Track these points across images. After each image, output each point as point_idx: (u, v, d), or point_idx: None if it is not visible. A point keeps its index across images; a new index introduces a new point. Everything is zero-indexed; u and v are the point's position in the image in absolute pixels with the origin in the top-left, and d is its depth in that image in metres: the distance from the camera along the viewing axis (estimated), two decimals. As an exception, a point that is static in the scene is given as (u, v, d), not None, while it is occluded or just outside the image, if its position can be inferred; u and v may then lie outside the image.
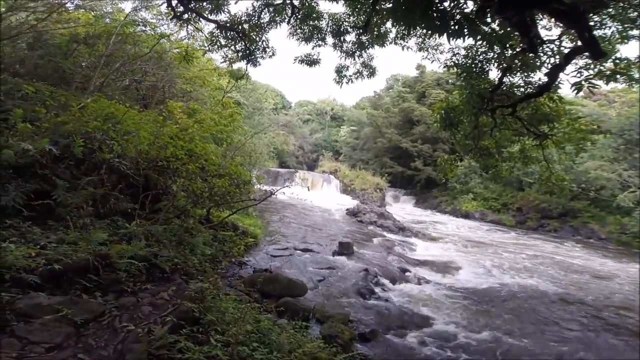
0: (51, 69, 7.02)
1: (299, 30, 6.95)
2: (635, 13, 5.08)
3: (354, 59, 7.52)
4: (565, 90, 10.58)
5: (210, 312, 3.29)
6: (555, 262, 11.56)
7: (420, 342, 5.01)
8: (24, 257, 3.23)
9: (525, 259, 11.71)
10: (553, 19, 5.69)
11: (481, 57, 6.08)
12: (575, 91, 5.35)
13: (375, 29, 6.78)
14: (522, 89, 6.37)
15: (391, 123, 30.90)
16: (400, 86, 36.14)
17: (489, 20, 5.02)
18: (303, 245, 9.19)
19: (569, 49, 5.57)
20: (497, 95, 6.44)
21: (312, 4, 6.65)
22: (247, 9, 6.58)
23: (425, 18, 3.80)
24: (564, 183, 8.13)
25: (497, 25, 5.40)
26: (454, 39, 4.16)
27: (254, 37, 6.85)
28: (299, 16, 6.70)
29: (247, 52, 6.96)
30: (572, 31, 5.39)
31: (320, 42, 7.20)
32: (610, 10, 5.12)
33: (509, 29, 5.25)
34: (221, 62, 8.42)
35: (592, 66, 5.45)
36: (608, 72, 5.33)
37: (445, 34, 3.96)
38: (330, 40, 7.21)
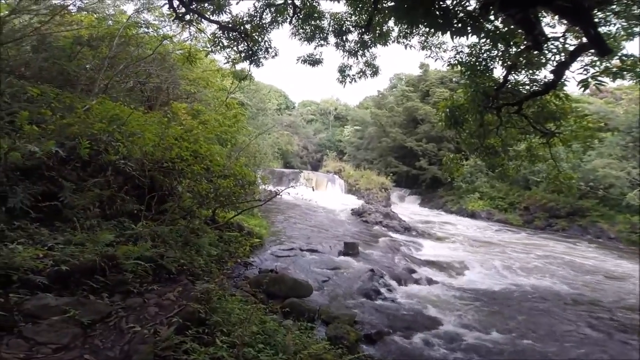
0: (56, 72, 7.10)
1: (301, 30, 6.94)
2: (640, 10, 5.01)
3: (357, 59, 7.49)
4: (571, 87, 10.46)
5: (216, 313, 3.30)
6: (567, 263, 11.41)
7: (427, 343, 4.98)
8: (32, 258, 3.26)
9: (536, 259, 11.57)
10: (557, 16, 5.63)
11: (485, 55, 6.02)
12: (582, 88, 5.28)
13: (378, 28, 6.75)
14: (527, 87, 6.30)
15: (395, 122, 30.79)
16: (403, 85, 36.01)
17: (492, 17, 4.99)
18: (308, 246, 9.19)
19: (574, 46, 5.50)
20: (503, 93, 6.37)
21: (314, 3, 6.64)
22: (249, 10, 6.60)
23: (427, 16, 3.78)
24: (572, 181, 8.01)
25: (501, 23, 5.37)
26: (458, 37, 4.14)
27: (256, 37, 6.85)
28: (301, 16, 6.69)
29: (250, 52, 6.97)
30: (577, 28, 5.33)
31: (322, 42, 7.19)
32: (614, 7, 5.05)
33: (512, 26, 5.22)
34: (224, 63, 8.42)
35: (598, 63, 5.38)
36: (614, 69, 5.26)
37: (448, 32, 3.94)
38: (332, 39, 7.20)
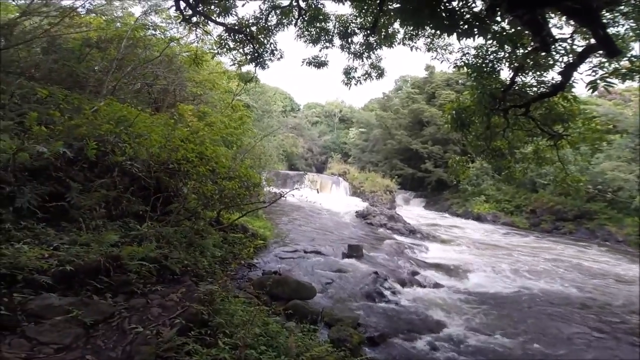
0: (65, 73, 7.20)
1: (306, 33, 6.96)
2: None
3: (362, 60, 7.49)
4: (578, 89, 10.33)
5: (219, 315, 3.29)
6: (576, 266, 11.20)
7: (431, 347, 4.92)
8: (37, 258, 3.29)
9: (543, 262, 11.38)
10: (565, 17, 5.57)
11: (492, 56, 5.98)
12: (591, 90, 5.22)
13: (383, 30, 6.74)
14: (535, 89, 6.24)
15: (401, 124, 30.69)
16: (409, 87, 35.88)
17: (498, 19, 4.95)
18: (312, 248, 9.16)
19: (582, 48, 5.44)
20: (510, 95, 6.32)
21: (319, 5, 6.66)
22: (255, 12, 6.64)
23: (433, 18, 3.76)
24: (580, 184, 7.91)
25: (508, 24, 5.33)
26: (464, 39, 4.11)
27: (262, 39, 6.89)
28: (306, 18, 6.71)
29: (256, 54, 7.01)
30: (585, 29, 5.27)
31: (327, 44, 7.20)
32: (623, 7, 4.99)
33: (519, 27, 5.17)
34: (230, 65, 8.48)
35: (606, 64, 5.31)
36: (624, 71, 5.19)
37: (454, 34, 3.91)
38: (337, 41, 7.21)
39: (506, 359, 4.95)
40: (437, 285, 7.75)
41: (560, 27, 5.89)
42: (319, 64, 7.49)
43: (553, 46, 5.45)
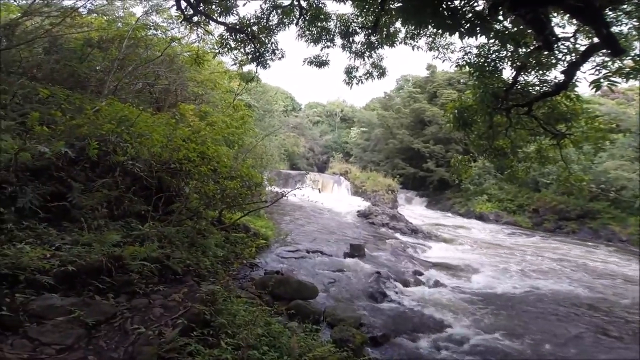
0: (67, 73, 7.21)
1: (308, 32, 6.93)
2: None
3: (364, 60, 7.45)
4: (580, 88, 10.27)
5: (221, 315, 3.28)
6: (582, 266, 11.10)
7: (434, 347, 4.91)
8: (39, 258, 3.29)
9: (549, 262, 11.31)
10: (567, 16, 5.54)
11: (494, 55, 5.94)
12: (594, 89, 5.19)
13: (385, 29, 6.71)
14: (537, 88, 6.21)
15: (402, 124, 30.62)
16: (410, 86, 35.81)
17: (501, 17, 4.92)
18: (314, 247, 9.16)
19: (584, 47, 5.41)
20: (512, 94, 6.29)
21: (320, 5, 6.63)
22: (256, 11, 6.62)
23: (435, 17, 3.74)
24: (583, 183, 7.87)
25: (510, 23, 5.29)
26: (466, 38, 4.09)
27: (263, 39, 6.87)
28: (307, 17, 6.68)
29: (257, 54, 6.99)
30: (588, 28, 5.24)
31: (329, 43, 7.16)
32: (625, 6, 4.95)
33: (522, 26, 5.14)
34: (231, 65, 8.48)
35: (609, 63, 5.27)
36: (627, 70, 5.15)
37: (456, 33, 3.89)
38: (339, 41, 7.17)
39: (517, 359, 4.91)
40: (440, 285, 7.73)
41: (562, 26, 5.85)
42: (320, 63, 7.47)
43: (556, 45, 5.42)
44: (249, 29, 6.69)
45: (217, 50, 7.33)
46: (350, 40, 7.11)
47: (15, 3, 8.03)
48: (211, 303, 3.36)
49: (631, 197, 17.22)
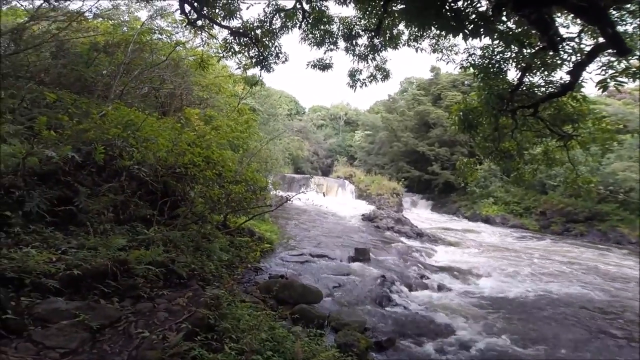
0: (74, 78, 7.30)
1: (311, 35, 6.95)
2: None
3: (367, 63, 7.44)
4: (587, 89, 10.15)
5: (225, 319, 3.27)
6: (593, 269, 10.88)
7: (440, 351, 4.84)
8: (45, 262, 3.31)
9: (559, 265, 11.10)
10: (572, 16, 5.49)
11: (498, 56, 5.91)
12: (601, 90, 5.13)
13: (388, 32, 6.70)
14: (543, 89, 6.15)
15: (407, 127, 30.56)
16: (414, 89, 35.76)
17: (505, 18, 4.89)
18: (318, 251, 9.12)
19: (589, 47, 5.36)
20: (517, 96, 6.23)
21: (323, 8, 6.66)
22: (259, 15, 6.65)
23: (439, 18, 3.72)
24: (591, 185, 7.75)
25: (514, 24, 5.27)
26: (470, 39, 4.07)
27: (267, 42, 6.90)
28: (310, 21, 6.70)
29: (261, 58, 7.02)
30: (592, 28, 5.19)
31: (332, 47, 7.17)
32: (629, 6, 4.90)
33: (526, 27, 5.11)
34: (236, 69, 8.54)
35: (615, 63, 5.21)
36: (634, 69, 5.08)
37: (460, 34, 3.87)
38: (342, 44, 7.17)
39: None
40: (446, 289, 7.64)
41: (567, 26, 5.81)
42: (323, 66, 7.48)
43: (561, 45, 5.37)
44: (253, 33, 6.73)
45: (222, 54, 7.37)
46: (354, 43, 7.12)
47: (22, 8, 8.16)
48: (215, 307, 3.35)
49: (640, 199, 16.98)
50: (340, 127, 47.41)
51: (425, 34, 6.51)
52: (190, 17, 6.31)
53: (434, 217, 23.70)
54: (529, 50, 5.57)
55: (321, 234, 12.09)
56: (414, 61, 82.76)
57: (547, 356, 5.08)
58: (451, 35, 4.63)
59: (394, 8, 5.70)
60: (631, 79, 5.14)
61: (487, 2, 4.29)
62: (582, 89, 6.10)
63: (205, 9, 6.28)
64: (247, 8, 6.55)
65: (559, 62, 5.73)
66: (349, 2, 6.27)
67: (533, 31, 5.12)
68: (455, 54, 6.87)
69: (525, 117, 6.59)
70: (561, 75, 5.88)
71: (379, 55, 7.30)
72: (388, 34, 6.75)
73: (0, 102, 5.26)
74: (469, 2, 3.91)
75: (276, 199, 9.62)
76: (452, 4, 3.78)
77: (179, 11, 6.14)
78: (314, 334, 4.01)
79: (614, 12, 4.94)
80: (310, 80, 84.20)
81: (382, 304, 6.23)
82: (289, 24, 6.75)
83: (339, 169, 32.67)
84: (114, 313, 3.08)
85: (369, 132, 37.52)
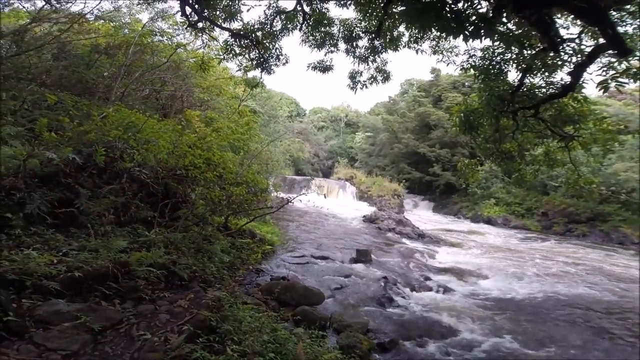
0: (75, 79, 7.31)
1: (311, 37, 6.95)
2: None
3: (368, 64, 7.44)
4: (587, 90, 10.15)
5: (227, 321, 3.26)
6: (598, 270, 10.81)
7: (443, 352, 4.81)
8: (46, 264, 3.31)
9: (563, 265, 11.04)
10: (572, 17, 5.50)
11: (499, 58, 5.92)
12: (602, 90, 5.12)
13: (388, 33, 6.70)
14: (544, 90, 6.15)
15: (407, 128, 30.56)
16: (415, 90, 35.77)
17: (505, 19, 4.89)
18: (320, 253, 9.11)
19: (590, 48, 5.36)
20: (518, 97, 6.24)
21: (323, 10, 6.67)
22: (260, 17, 6.66)
23: (439, 20, 3.71)
24: (593, 186, 7.74)
25: (514, 25, 5.27)
26: (470, 41, 4.06)
27: (267, 44, 6.91)
28: (311, 23, 6.71)
29: (261, 60, 7.02)
30: (593, 29, 5.19)
31: (332, 48, 7.18)
32: (629, 7, 4.90)
33: (526, 28, 5.11)
34: (236, 71, 8.55)
35: (616, 64, 5.21)
36: (634, 70, 5.08)
37: (460, 36, 3.86)
38: (342, 46, 7.18)
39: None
40: (449, 290, 7.61)
41: (567, 27, 5.81)
42: (324, 68, 7.48)
43: (561, 46, 5.37)
44: (253, 35, 6.74)
45: (222, 56, 7.38)
46: (354, 44, 7.12)
47: (24, 9, 8.19)
48: (217, 309, 3.34)
49: (642, 199, 16.95)
50: (341, 129, 47.45)
51: (425, 35, 6.51)
52: (191, 19, 6.32)
53: (436, 218, 23.67)
54: (529, 52, 5.57)
55: (322, 235, 12.07)
56: (414, 63, 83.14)
57: (556, 357, 5.04)
58: (451, 36, 4.63)
59: (394, 10, 5.70)
60: (632, 80, 5.14)
61: (488, 3, 4.29)
62: (583, 90, 6.11)
63: (206, 11, 6.30)
64: (248, 10, 6.55)
65: (559, 63, 5.73)
66: (350, 4, 6.28)
67: (533, 32, 5.12)
68: (456, 55, 6.88)
69: (526, 118, 6.58)
70: (562, 76, 5.89)
71: (379, 57, 7.31)
72: (388, 36, 6.75)
73: (1, 103, 5.27)
74: (469, 3, 3.91)
75: (277, 200, 9.61)
76: (453, 6, 3.78)
77: (179, 13, 6.15)
78: (316, 335, 3.99)
79: (614, 13, 4.95)
80: (310, 82, 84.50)
81: (384, 305, 6.20)
82: (289, 26, 6.76)
83: (340, 171, 32.67)
84: (116, 315, 3.08)
85: (369, 134, 37.54)
